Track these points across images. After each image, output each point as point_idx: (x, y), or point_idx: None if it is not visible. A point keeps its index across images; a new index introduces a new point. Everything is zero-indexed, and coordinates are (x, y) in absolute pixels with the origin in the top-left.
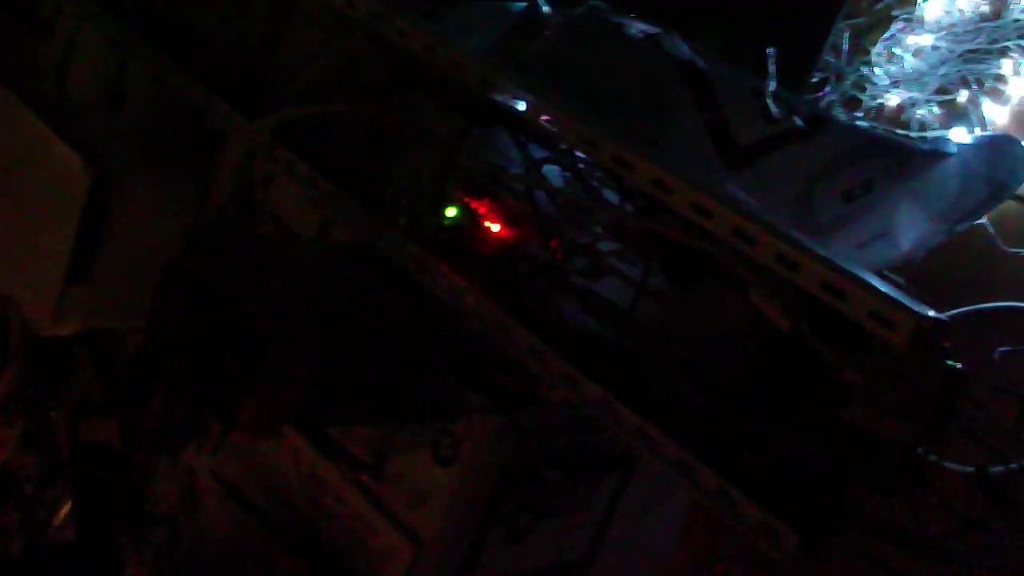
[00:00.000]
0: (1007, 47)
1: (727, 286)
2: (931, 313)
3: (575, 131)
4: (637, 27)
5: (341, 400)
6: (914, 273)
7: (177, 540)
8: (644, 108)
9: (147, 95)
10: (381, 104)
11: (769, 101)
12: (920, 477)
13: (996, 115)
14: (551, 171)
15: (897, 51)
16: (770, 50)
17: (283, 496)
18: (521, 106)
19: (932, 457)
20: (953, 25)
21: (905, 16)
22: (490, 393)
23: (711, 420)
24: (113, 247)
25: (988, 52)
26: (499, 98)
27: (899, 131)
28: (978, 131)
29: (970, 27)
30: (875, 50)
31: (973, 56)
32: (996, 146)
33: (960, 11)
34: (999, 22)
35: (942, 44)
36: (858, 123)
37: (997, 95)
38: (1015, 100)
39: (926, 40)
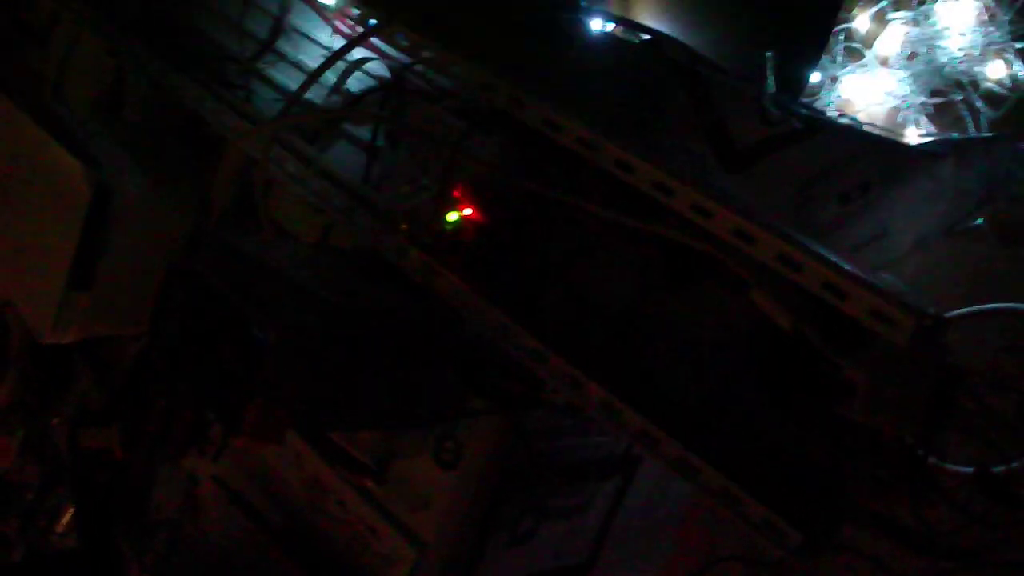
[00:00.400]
0: (1002, 49)
1: (727, 286)
2: (931, 311)
3: (575, 133)
4: (634, 31)
5: (343, 404)
6: (912, 273)
7: (179, 546)
8: (642, 110)
9: (145, 101)
10: (381, 109)
11: (766, 104)
12: (922, 474)
13: (990, 116)
14: None
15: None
16: (768, 53)
17: (285, 501)
18: (529, 115)
19: (933, 457)
20: (948, 28)
21: (900, 19)
22: (492, 396)
23: (713, 420)
24: (114, 254)
25: (983, 55)
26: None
27: (895, 132)
28: (973, 132)
29: (965, 30)
30: (868, 52)
31: (968, 58)
32: (991, 147)
33: (956, 14)
34: (994, 25)
35: (937, 46)
36: (854, 125)
37: (991, 97)
38: (1009, 102)
39: (921, 42)
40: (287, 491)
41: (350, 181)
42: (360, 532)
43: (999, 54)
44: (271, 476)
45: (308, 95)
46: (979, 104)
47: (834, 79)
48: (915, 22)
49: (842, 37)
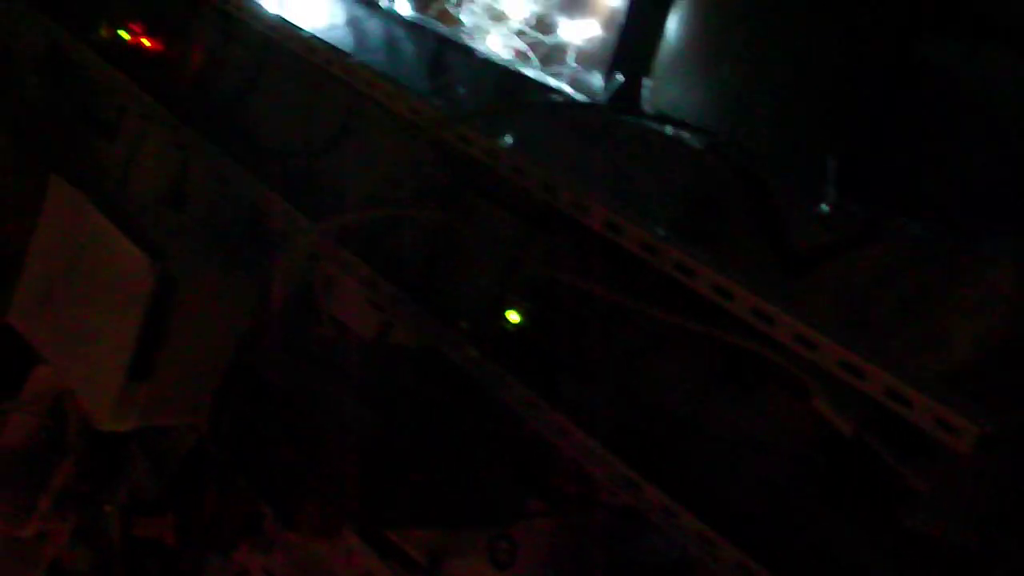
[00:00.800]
0: None
1: (788, 391)
2: (994, 420)
3: (637, 237)
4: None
5: (398, 501)
6: (974, 374)
7: None
8: (702, 213)
9: (209, 195)
10: (442, 208)
11: (827, 207)
12: None
13: None
14: None
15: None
16: (829, 157)
17: None
18: (591, 217)
19: (998, 568)
20: None
21: None
22: (548, 497)
23: (773, 526)
24: (174, 345)
25: None
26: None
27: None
28: None
29: None
30: None
31: None
32: None
33: None
34: None
35: None
36: (914, 227)
37: None
38: None
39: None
40: None
41: (410, 279)
42: None
43: None
44: (322, 570)
45: (373, 189)
46: None
47: None
48: None
49: None
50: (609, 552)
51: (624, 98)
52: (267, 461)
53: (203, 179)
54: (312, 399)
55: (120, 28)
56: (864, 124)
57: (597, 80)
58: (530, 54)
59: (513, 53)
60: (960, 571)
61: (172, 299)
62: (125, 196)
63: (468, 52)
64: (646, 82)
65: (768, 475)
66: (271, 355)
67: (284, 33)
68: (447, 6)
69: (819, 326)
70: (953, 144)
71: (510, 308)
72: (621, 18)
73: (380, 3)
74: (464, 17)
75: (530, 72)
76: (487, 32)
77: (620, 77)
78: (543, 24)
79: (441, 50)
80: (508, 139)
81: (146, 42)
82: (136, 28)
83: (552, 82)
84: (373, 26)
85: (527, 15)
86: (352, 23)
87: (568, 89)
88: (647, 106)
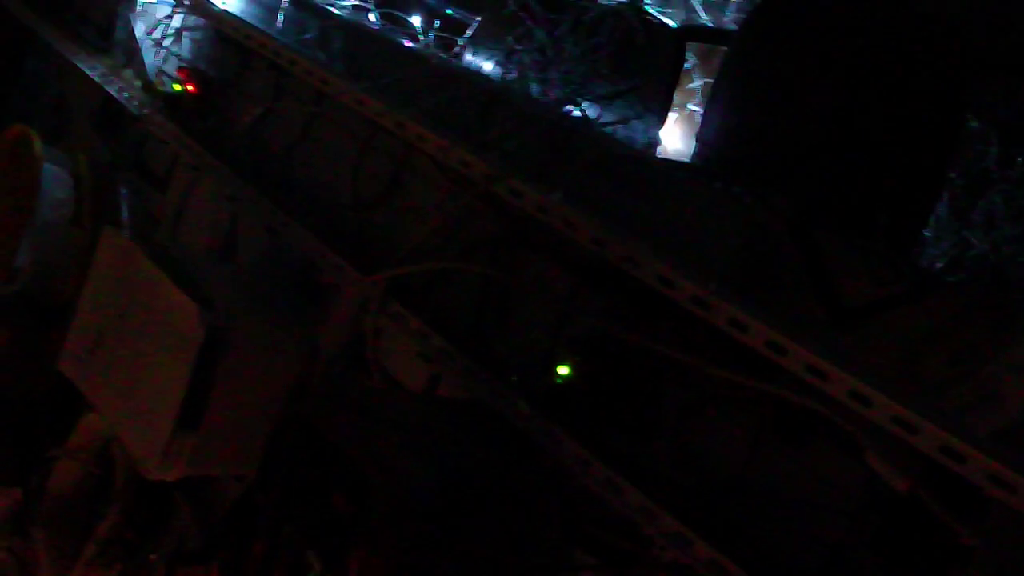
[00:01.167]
0: None
1: (840, 447)
2: None
3: (689, 291)
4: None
5: (447, 553)
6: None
7: None
8: (752, 268)
9: (259, 246)
10: (493, 262)
11: (877, 263)
12: None
13: None
14: None
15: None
16: (880, 212)
17: None
18: (643, 272)
19: None
20: None
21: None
22: (596, 551)
23: None
24: (222, 395)
25: None
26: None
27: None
28: None
29: None
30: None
31: None
32: None
33: None
34: None
35: None
36: (965, 284)
37: None
38: None
39: None
40: None
41: (461, 332)
42: None
43: None
44: None
45: (423, 242)
46: None
47: (942, 237)
48: None
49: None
50: None
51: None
52: (316, 511)
53: (254, 230)
54: (361, 450)
55: (174, 81)
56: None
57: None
58: None
59: None
60: None
61: (221, 349)
62: (176, 246)
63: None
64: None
65: (820, 531)
66: (321, 406)
67: (335, 87)
68: None
69: (874, 382)
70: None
71: (561, 362)
72: None
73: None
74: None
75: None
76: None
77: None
78: None
79: (491, 100)
80: (558, 193)
81: (190, 90)
82: (188, 81)
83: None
84: (420, 75)
85: None
86: (400, 72)
87: (617, 139)
88: (696, 160)
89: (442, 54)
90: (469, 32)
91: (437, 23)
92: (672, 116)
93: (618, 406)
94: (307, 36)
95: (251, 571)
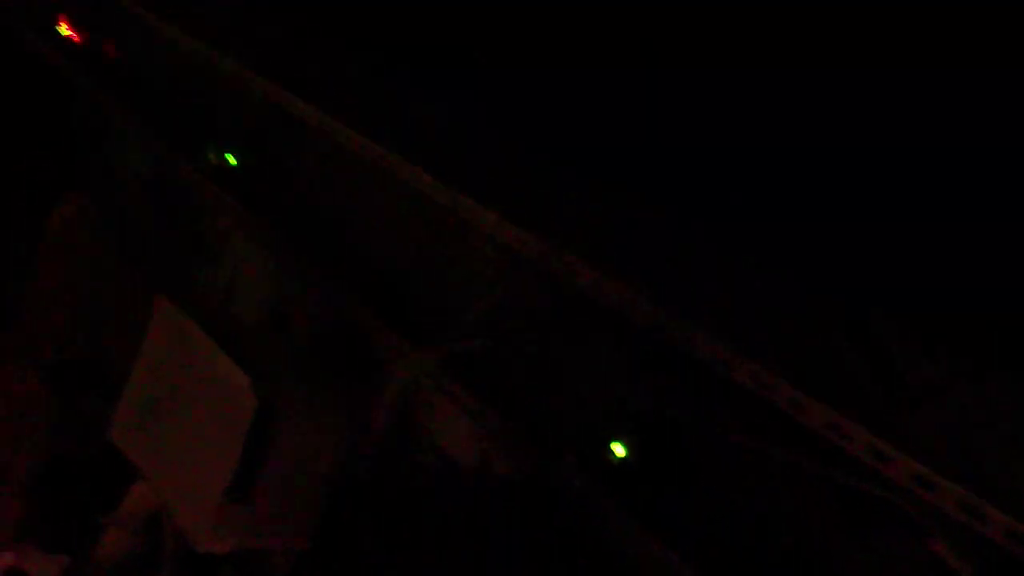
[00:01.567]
0: None
1: (904, 532)
2: None
3: (750, 373)
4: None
5: None
6: None
7: None
8: (811, 352)
9: (311, 317)
10: (547, 339)
11: (936, 346)
12: None
13: None
14: None
15: None
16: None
17: None
18: (701, 351)
19: None
20: None
21: None
22: None
23: None
24: (273, 467)
25: None
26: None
27: None
28: None
29: None
30: None
31: None
32: None
33: None
34: None
35: None
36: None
37: None
38: None
39: None
40: None
41: (514, 408)
42: None
43: None
44: None
45: (478, 317)
46: None
47: None
48: None
49: None
50: None
51: None
52: None
53: (306, 301)
54: (413, 526)
55: (227, 152)
56: None
57: None
58: None
59: None
60: None
61: (273, 422)
62: (228, 317)
63: None
64: None
65: None
66: (373, 481)
67: (391, 161)
68: None
69: (939, 467)
70: None
71: (615, 440)
72: None
73: None
74: None
75: None
76: None
77: None
78: None
79: None
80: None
81: (232, 161)
82: (239, 154)
83: None
84: None
85: None
86: None
87: None
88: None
89: None
90: None
91: None
92: None
93: (675, 486)
94: None
95: None
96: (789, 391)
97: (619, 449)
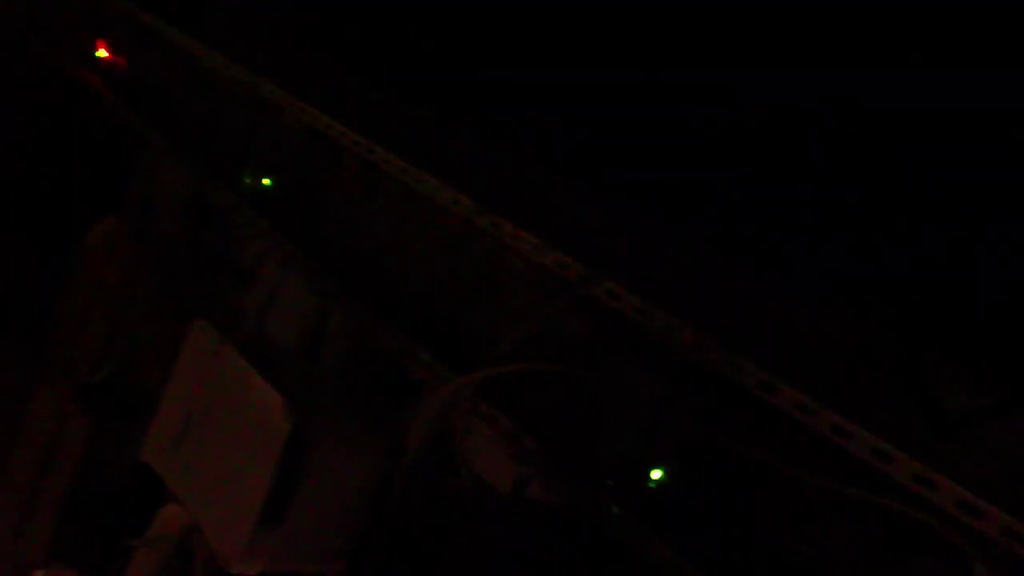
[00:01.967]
0: None
1: (948, 559)
2: None
3: (792, 400)
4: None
5: None
6: None
7: None
8: (852, 377)
9: (346, 342)
10: (586, 365)
11: (979, 369)
12: None
13: None
14: None
15: None
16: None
17: None
18: (743, 377)
19: None
20: None
21: None
22: None
23: None
24: (307, 490)
25: None
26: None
27: None
28: None
29: None
30: None
31: None
32: None
33: None
34: None
35: None
36: None
37: None
38: None
39: None
40: None
41: (552, 434)
42: None
43: None
44: None
45: (515, 343)
46: None
47: None
48: None
49: None
50: None
51: None
52: None
53: (341, 326)
54: (448, 552)
55: (264, 177)
56: None
57: None
58: None
59: None
60: None
61: (307, 445)
62: (262, 341)
63: None
64: None
65: None
66: (408, 506)
67: (429, 185)
68: None
69: (985, 492)
70: None
71: (654, 467)
72: None
73: None
74: None
75: None
76: None
77: None
78: None
79: None
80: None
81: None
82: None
83: None
84: None
85: None
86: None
87: None
88: None
89: None
90: None
91: None
92: None
93: (715, 514)
94: None
95: None
96: (833, 417)
97: (657, 475)
